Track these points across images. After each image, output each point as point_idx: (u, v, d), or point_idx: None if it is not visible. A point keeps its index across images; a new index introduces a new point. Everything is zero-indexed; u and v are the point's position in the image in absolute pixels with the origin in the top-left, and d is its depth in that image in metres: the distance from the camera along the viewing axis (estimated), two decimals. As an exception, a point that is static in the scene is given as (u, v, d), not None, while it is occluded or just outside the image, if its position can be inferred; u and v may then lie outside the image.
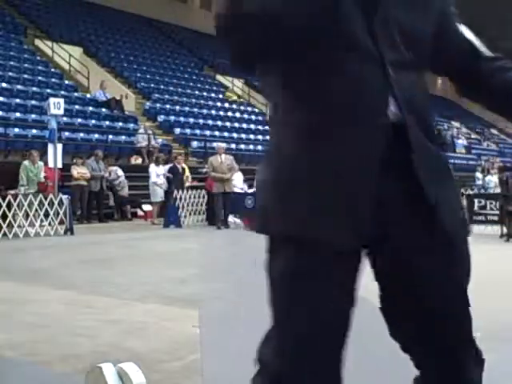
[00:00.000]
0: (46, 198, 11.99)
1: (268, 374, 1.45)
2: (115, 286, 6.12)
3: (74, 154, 15.10)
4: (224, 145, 14.93)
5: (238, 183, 14.91)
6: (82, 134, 17.17)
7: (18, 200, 11.64)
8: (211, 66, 29.20)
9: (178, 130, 20.77)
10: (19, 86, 18.12)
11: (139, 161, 17.76)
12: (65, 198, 12.16)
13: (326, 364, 1.45)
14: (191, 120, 21.92)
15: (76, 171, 14.17)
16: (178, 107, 22.47)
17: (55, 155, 12.50)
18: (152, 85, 23.27)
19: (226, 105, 25.23)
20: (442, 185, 1.49)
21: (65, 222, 12.03)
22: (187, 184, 15.35)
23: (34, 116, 16.71)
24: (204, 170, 15.44)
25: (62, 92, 18.63)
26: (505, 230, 10.97)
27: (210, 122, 22.43)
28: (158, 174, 14.59)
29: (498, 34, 35.95)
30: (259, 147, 22.23)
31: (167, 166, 15.02)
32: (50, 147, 12.65)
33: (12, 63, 19.39)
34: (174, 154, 16.66)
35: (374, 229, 1.41)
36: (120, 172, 15.47)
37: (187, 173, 15.66)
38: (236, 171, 14.13)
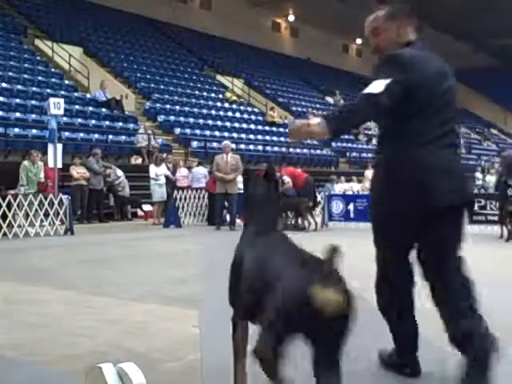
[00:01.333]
0: (46, 198, 11.99)
1: None
2: (115, 286, 6.12)
3: (74, 154, 15.11)
4: (230, 143, 14.40)
5: (238, 183, 14.86)
6: (81, 134, 17.19)
7: (18, 200, 11.64)
8: (211, 66, 29.22)
9: (178, 130, 20.78)
10: (19, 86, 18.14)
11: (139, 161, 17.77)
12: (65, 197, 12.16)
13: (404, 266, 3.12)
14: (191, 120, 21.93)
15: (75, 171, 14.19)
16: (178, 107, 22.48)
17: (55, 155, 12.49)
18: (152, 85, 23.28)
19: (226, 105, 25.24)
20: None
21: (65, 222, 12.03)
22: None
23: (34, 116, 16.73)
24: (208, 170, 15.45)
25: (62, 92, 18.65)
26: (505, 230, 10.95)
27: (210, 122, 22.44)
28: (157, 174, 14.58)
29: (491, 31, 36.02)
30: (259, 147, 22.24)
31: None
32: (50, 147, 12.65)
33: (12, 63, 19.41)
34: (166, 154, 16.65)
35: None
36: (119, 172, 15.48)
37: (183, 172, 15.78)
38: (240, 172, 13.86)
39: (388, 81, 2.76)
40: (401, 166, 2.91)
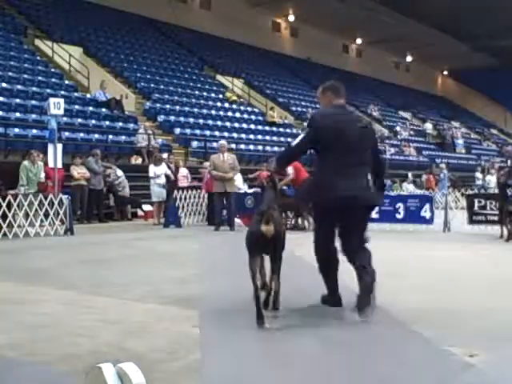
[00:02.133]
0: (46, 198, 11.98)
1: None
2: (115, 286, 6.12)
3: (74, 154, 15.10)
4: (226, 143, 14.43)
5: (238, 183, 14.84)
6: (81, 134, 17.18)
7: (18, 200, 11.63)
8: (211, 66, 29.22)
9: (178, 130, 20.78)
10: (19, 86, 18.13)
11: (139, 161, 17.77)
12: (65, 197, 12.15)
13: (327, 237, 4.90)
14: (191, 120, 21.93)
15: (76, 171, 14.18)
16: (178, 107, 22.48)
17: (55, 155, 12.48)
18: (152, 85, 23.28)
19: (226, 105, 25.24)
20: None
21: (65, 222, 12.02)
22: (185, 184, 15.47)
23: (34, 116, 16.72)
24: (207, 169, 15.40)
25: (62, 92, 18.65)
26: (505, 230, 10.94)
27: (210, 122, 22.44)
28: (156, 173, 14.56)
29: (491, 33, 36.00)
30: (259, 147, 22.24)
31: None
32: (50, 147, 12.64)
33: (12, 63, 19.40)
34: (165, 154, 16.63)
35: None
36: (119, 172, 15.48)
37: (183, 172, 15.77)
38: (237, 171, 13.80)
39: (303, 135, 4.99)
40: (317, 185, 4.95)
